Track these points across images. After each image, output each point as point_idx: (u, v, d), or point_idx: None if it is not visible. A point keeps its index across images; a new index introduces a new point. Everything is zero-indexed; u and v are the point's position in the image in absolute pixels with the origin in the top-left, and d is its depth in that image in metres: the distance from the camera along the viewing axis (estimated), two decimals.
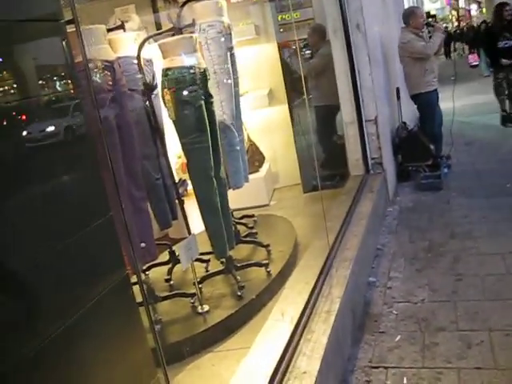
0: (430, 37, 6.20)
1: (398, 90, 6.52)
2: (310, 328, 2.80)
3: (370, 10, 5.55)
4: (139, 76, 3.15)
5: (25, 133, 1.53)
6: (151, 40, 3.51)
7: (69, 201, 1.61)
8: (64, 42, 1.68)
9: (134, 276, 2.80)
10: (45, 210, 1.51)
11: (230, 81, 3.56)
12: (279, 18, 5.94)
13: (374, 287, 3.85)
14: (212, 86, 3.38)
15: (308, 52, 5.98)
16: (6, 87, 1.51)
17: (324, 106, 5.67)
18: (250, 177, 4.24)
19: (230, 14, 3.71)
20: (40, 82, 1.64)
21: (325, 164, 5.64)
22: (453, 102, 6.30)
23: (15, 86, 1.55)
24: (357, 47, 5.22)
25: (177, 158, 4.70)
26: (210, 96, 3.33)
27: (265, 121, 5.66)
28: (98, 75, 2.71)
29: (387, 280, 3.92)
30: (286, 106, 5.55)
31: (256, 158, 5.47)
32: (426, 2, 23.98)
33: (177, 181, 3.64)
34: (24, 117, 1.55)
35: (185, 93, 3.10)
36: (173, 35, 3.38)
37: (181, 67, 3.11)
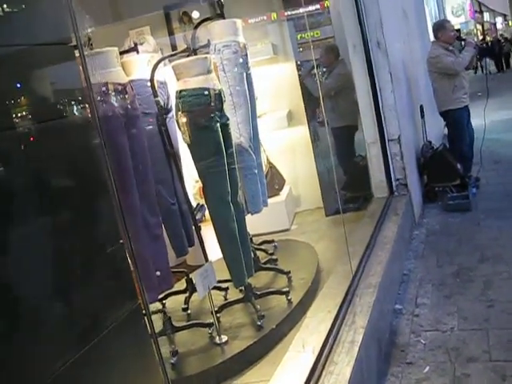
0: (460, 51, 6.13)
1: (421, 107, 6.48)
2: (333, 359, 2.74)
3: (390, 25, 5.55)
4: (153, 99, 3.16)
5: (33, 158, 1.53)
6: (166, 62, 3.54)
7: (77, 228, 1.60)
8: (72, 66, 1.70)
9: (151, 305, 2.79)
10: (52, 239, 1.50)
11: (246, 102, 3.55)
12: (298, 37, 5.97)
13: (401, 315, 3.77)
14: (228, 108, 3.38)
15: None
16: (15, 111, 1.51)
17: (342, 127, 5.65)
18: (270, 201, 4.22)
19: (247, 33, 3.72)
20: (47, 106, 1.64)
21: (347, 186, 5.61)
22: (484, 120, 6.23)
23: (22, 109, 1.55)
24: (378, 64, 5.21)
25: (194, 182, 4.70)
26: (226, 118, 3.33)
27: (284, 142, 5.66)
28: (109, 99, 2.72)
29: (414, 307, 3.85)
30: (306, 126, 5.54)
31: (276, 181, 5.46)
32: (449, 16, 23.95)
33: (194, 206, 3.63)
34: (31, 142, 1.55)
35: (200, 115, 3.10)
36: (187, 56, 3.40)
37: (195, 89, 3.11)
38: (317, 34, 6.33)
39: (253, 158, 3.68)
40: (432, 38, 6.57)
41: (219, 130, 3.21)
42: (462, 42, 6.20)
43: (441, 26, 6.10)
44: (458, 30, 6.67)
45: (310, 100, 5.54)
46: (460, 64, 5.87)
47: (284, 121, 5.62)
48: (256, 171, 3.74)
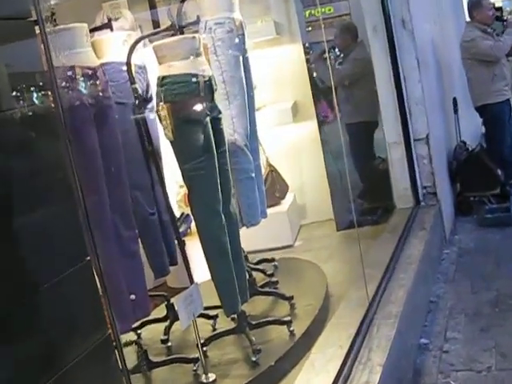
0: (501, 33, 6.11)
1: (455, 100, 6.49)
2: None
3: (418, 1, 5.56)
4: (130, 86, 3.17)
5: None
6: (146, 42, 3.54)
7: (34, 243, 1.59)
8: (32, 45, 1.69)
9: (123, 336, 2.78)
10: (3, 254, 1.49)
11: (242, 91, 3.56)
12: (306, 14, 5.98)
13: (427, 351, 3.78)
14: (220, 99, 3.39)
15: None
16: None
17: (359, 124, 5.66)
18: (270, 211, 4.23)
19: (245, 9, 3.73)
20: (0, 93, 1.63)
21: (364, 194, 5.61)
22: None
23: None
24: (402, 48, 5.22)
25: (178, 187, 4.71)
26: (218, 111, 3.33)
27: (288, 141, 5.67)
28: (76, 85, 2.72)
29: (443, 342, 3.85)
30: (315, 122, 5.55)
31: (277, 188, 5.46)
32: None
33: (178, 216, 3.63)
34: None
35: (186, 107, 3.11)
36: (172, 36, 3.41)
37: (181, 75, 3.12)
38: (329, 10, 6.34)
39: (249, 158, 3.68)
40: (468, 17, 6.57)
41: (209, 124, 3.21)
42: (504, 23, 6.20)
43: (477, 4, 6.10)
44: (499, 9, 6.67)
45: (319, 90, 5.55)
46: (500, 49, 5.87)
47: (288, 114, 5.63)
48: (253, 175, 3.74)
